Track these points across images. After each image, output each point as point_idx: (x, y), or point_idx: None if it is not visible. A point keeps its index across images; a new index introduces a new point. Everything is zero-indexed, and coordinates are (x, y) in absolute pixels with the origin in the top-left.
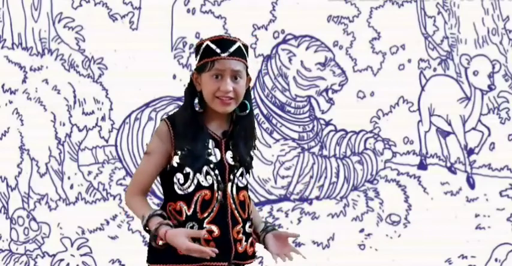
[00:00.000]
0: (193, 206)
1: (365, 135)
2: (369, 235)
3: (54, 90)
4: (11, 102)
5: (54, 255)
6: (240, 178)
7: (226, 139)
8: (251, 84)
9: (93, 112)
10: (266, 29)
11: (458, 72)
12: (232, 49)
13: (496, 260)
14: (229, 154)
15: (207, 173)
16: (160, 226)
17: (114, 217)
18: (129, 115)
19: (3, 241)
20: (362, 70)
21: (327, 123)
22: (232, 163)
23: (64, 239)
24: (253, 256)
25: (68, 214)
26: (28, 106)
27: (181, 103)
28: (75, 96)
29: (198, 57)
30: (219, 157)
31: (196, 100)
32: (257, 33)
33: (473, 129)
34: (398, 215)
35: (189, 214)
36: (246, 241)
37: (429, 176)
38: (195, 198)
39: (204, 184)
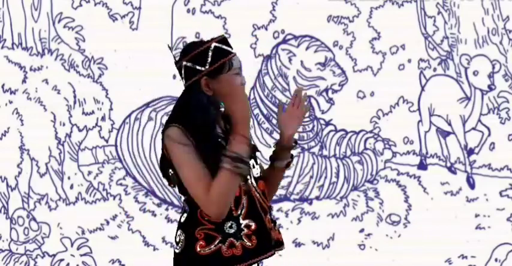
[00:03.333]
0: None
1: (365, 135)
2: (369, 235)
3: (54, 90)
4: (11, 102)
5: (54, 255)
6: (254, 169)
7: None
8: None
9: (93, 112)
10: (266, 29)
11: (458, 72)
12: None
13: (496, 260)
14: None
15: None
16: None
17: (114, 217)
18: (129, 115)
19: (3, 241)
20: (362, 70)
21: (327, 123)
22: None
23: (64, 239)
24: (283, 242)
25: (68, 214)
26: (28, 106)
27: None
28: (75, 96)
29: (209, 60)
30: None
31: (222, 103)
32: (257, 33)
33: (473, 129)
34: (398, 215)
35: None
36: (275, 228)
37: (429, 176)
38: None
39: None
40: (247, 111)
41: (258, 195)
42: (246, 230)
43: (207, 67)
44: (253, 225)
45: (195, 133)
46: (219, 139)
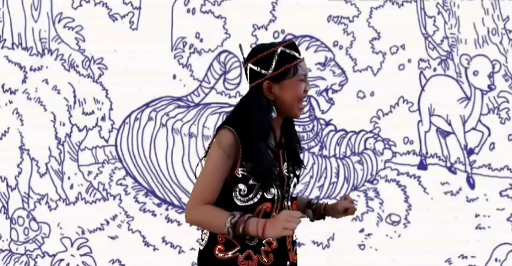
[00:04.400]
0: None
1: (365, 135)
2: (369, 235)
3: (54, 90)
4: (11, 102)
5: (54, 255)
6: (293, 188)
7: (282, 150)
8: None
9: (93, 112)
10: (266, 29)
11: (458, 72)
12: (300, 51)
13: (496, 260)
14: (285, 166)
15: (271, 186)
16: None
17: (114, 217)
18: (129, 115)
19: (3, 241)
20: (362, 70)
21: (327, 123)
22: (288, 174)
23: (64, 239)
24: (296, 263)
25: (68, 214)
26: (28, 106)
27: (181, 103)
28: (75, 96)
29: (273, 65)
30: (278, 170)
31: (274, 109)
32: (257, 33)
33: (473, 129)
34: (398, 215)
35: None
36: (293, 249)
37: (429, 176)
38: (257, 211)
39: (268, 196)
40: None
41: None
42: (266, 247)
43: (270, 71)
44: (274, 243)
45: (247, 136)
46: (268, 150)
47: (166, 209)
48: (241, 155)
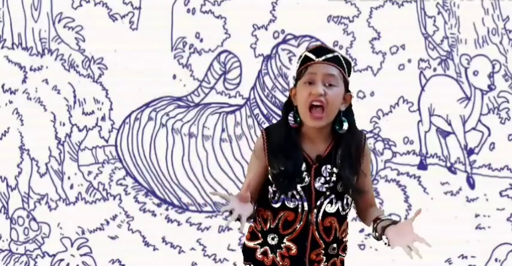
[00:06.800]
0: (276, 221)
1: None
2: (369, 235)
3: (54, 90)
4: (11, 102)
5: (54, 255)
6: (329, 205)
7: (318, 165)
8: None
9: (93, 112)
10: (266, 29)
11: (458, 72)
12: (328, 55)
13: (496, 260)
14: (319, 181)
15: (293, 196)
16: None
17: (114, 217)
18: (129, 115)
19: (3, 241)
20: (362, 70)
21: None
22: (322, 190)
23: (64, 239)
24: None
25: (68, 214)
26: (28, 106)
27: (181, 103)
28: (75, 96)
29: (297, 69)
30: (307, 183)
31: (291, 115)
32: (257, 33)
33: (473, 129)
34: (398, 215)
35: (272, 226)
36: (327, 261)
37: (429, 176)
38: (279, 216)
39: (289, 205)
40: None
41: (316, 231)
42: (283, 250)
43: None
44: (294, 250)
45: (272, 144)
46: (302, 161)
47: (166, 209)
48: (267, 159)
